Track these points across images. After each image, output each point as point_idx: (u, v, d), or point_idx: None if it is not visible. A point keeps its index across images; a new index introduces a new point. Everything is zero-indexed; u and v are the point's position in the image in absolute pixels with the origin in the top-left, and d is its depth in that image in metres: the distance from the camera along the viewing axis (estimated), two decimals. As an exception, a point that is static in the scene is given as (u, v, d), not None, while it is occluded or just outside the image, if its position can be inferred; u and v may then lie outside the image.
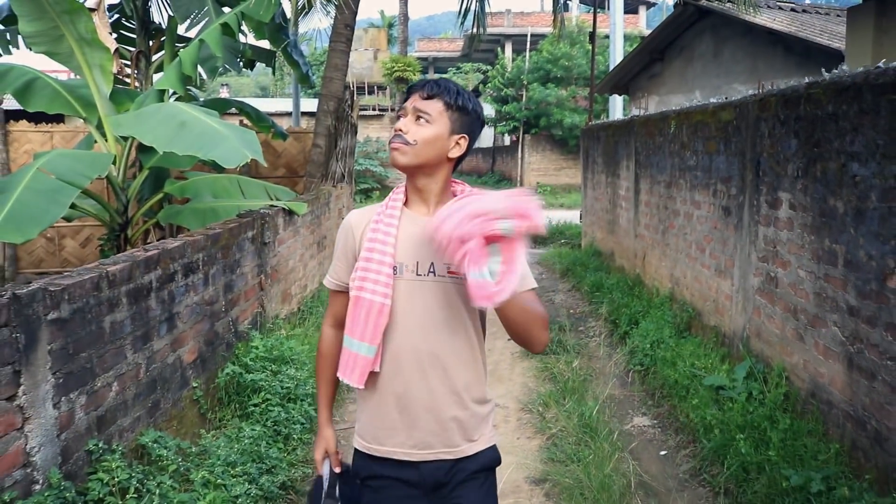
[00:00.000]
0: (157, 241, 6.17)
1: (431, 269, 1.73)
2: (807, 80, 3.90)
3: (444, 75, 35.75)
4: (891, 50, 5.49)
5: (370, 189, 21.51)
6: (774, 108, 4.25)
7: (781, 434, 3.51)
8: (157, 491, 2.70)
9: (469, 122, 1.77)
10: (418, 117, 1.72)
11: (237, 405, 3.91)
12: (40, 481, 2.42)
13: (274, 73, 9.63)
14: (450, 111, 1.74)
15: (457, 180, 1.84)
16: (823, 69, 3.85)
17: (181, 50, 5.83)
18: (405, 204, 1.81)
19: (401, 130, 1.72)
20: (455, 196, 1.76)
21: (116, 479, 2.60)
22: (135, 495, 2.59)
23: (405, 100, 1.79)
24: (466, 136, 1.77)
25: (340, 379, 1.79)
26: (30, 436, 2.38)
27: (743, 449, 3.48)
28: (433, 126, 1.72)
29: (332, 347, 1.90)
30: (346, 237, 1.84)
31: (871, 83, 3.23)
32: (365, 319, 1.71)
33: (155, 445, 3.01)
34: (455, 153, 1.76)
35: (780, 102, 4.18)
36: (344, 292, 1.83)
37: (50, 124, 8.96)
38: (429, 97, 1.73)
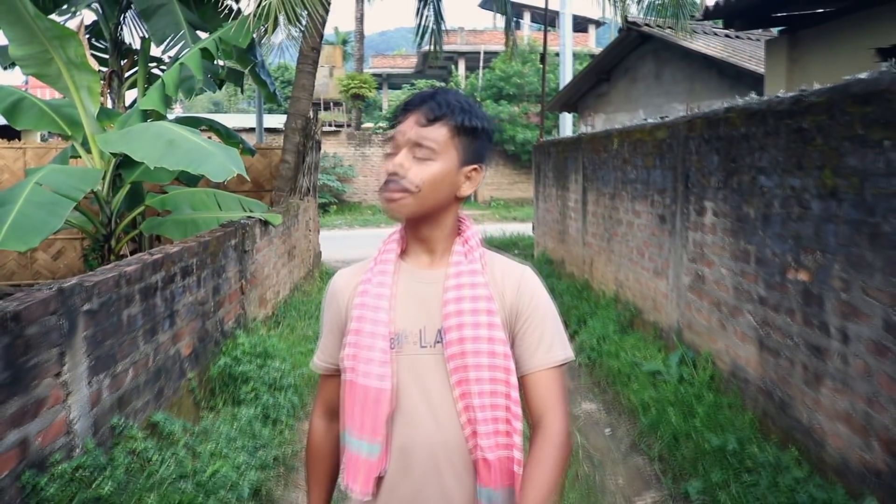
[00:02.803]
0: (131, 252, 6.54)
1: (439, 338, 1.33)
2: (725, 105, 4.53)
3: (398, 91, 35.73)
4: (801, 76, 6.23)
5: (327, 203, 21.94)
6: (700, 129, 4.89)
7: (706, 408, 4.10)
8: (173, 459, 3.13)
9: (480, 146, 1.36)
10: (418, 147, 1.30)
11: (228, 394, 4.34)
12: (79, 447, 2.83)
13: (242, 91, 10.03)
14: (458, 137, 1.32)
15: (463, 216, 1.45)
16: (738, 95, 4.49)
17: (165, 72, 6.24)
18: (402, 255, 1.42)
19: (396, 174, 1.29)
20: (462, 234, 1.42)
21: (140, 448, 3.02)
22: (158, 461, 3.01)
23: (394, 122, 1.36)
24: (479, 167, 1.37)
25: (344, 489, 1.39)
26: (71, 408, 2.79)
27: (674, 420, 4.06)
28: (439, 161, 1.30)
29: (324, 443, 1.52)
30: (331, 306, 1.47)
31: (773, 109, 3.86)
32: (361, 410, 1.33)
33: (166, 423, 3.43)
34: (467, 190, 1.36)
35: (705, 124, 4.81)
36: (335, 375, 1.46)
37: (22, 141, 9.19)
38: (432, 121, 1.31)
